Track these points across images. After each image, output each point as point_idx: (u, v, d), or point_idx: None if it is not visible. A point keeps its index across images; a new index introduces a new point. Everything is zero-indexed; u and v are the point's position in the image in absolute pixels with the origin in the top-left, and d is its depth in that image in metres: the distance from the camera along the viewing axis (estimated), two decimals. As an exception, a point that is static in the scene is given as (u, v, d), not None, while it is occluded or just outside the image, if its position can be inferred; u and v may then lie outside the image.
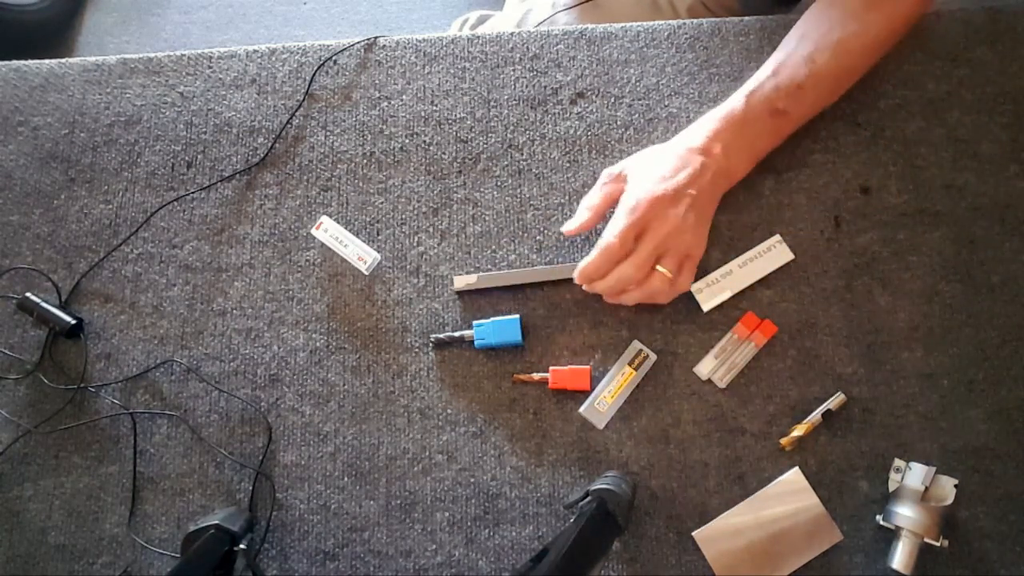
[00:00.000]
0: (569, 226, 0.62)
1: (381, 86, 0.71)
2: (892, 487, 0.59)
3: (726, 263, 0.64)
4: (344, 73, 0.72)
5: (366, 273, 0.66)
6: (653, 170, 0.59)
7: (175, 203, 0.69)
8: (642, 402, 0.62)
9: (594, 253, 0.58)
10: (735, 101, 0.61)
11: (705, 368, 0.62)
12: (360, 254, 0.66)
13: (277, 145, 0.70)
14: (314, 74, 0.72)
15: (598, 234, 0.62)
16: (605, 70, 0.71)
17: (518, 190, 0.68)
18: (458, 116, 0.70)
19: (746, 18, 0.71)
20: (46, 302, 0.65)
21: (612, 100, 0.70)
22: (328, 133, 0.70)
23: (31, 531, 0.62)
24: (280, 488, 0.62)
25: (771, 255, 0.64)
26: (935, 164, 0.66)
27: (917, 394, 0.62)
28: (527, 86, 0.71)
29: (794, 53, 0.61)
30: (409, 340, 0.65)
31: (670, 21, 0.72)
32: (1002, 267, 0.64)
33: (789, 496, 0.60)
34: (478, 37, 0.72)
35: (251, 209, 0.69)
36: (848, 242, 0.65)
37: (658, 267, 0.58)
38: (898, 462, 0.59)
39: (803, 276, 0.64)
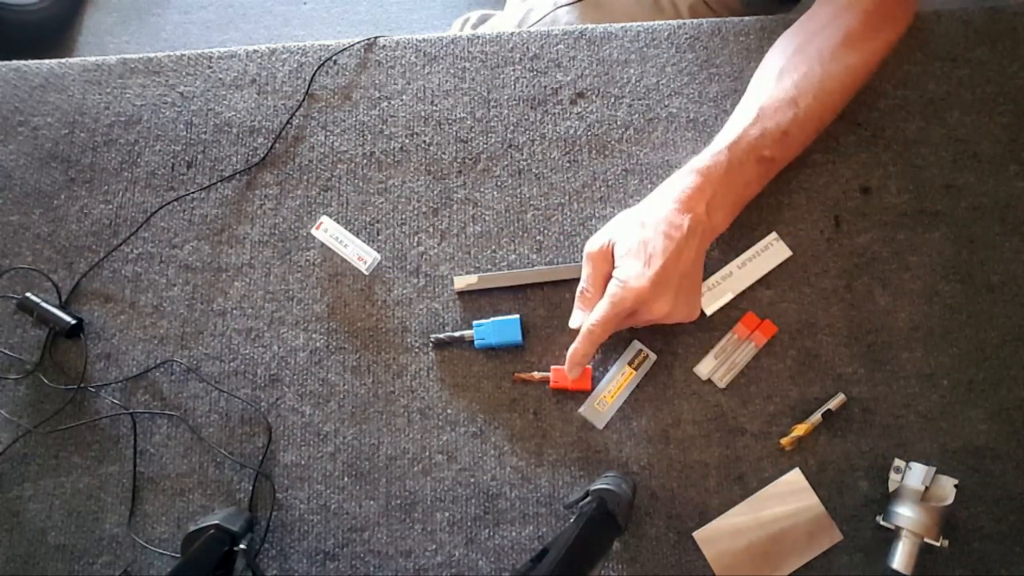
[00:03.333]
0: (572, 324, 0.60)
1: (381, 86, 0.71)
2: (892, 487, 0.59)
3: (725, 264, 0.64)
4: (344, 73, 0.72)
5: (366, 273, 0.66)
6: (639, 254, 0.56)
7: (175, 203, 0.69)
8: (642, 402, 0.62)
9: (581, 339, 0.57)
10: (718, 153, 0.58)
11: (705, 368, 0.62)
12: (360, 254, 0.66)
13: (277, 145, 0.70)
14: (314, 74, 0.72)
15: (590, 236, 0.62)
16: (605, 70, 0.71)
17: (518, 190, 0.68)
18: (458, 116, 0.70)
19: (746, 18, 0.71)
20: (46, 302, 0.65)
21: (612, 100, 0.70)
22: (328, 133, 0.70)
23: (31, 531, 0.62)
24: (280, 488, 0.62)
25: (769, 253, 0.64)
26: (935, 164, 0.66)
27: (917, 394, 0.62)
28: (527, 86, 0.71)
29: (775, 96, 0.59)
30: (409, 340, 0.65)
31: (670, 21, 0.72)
32: (1002, 267, 0.64)
33: (789, 496, 0.60)
34: (478, 37, 0.72)
35: (251, 209, 0.69)
36: (848, 242, 0.65)
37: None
38: (898, 462, 0.59)
39: (803, 276, 0.64)
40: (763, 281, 0.64)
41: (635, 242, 0.57)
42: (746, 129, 0.58)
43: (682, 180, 0.58)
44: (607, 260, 0.59)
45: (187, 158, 0.70)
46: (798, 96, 0.58)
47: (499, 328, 0.63)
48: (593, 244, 0.60)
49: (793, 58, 0.61)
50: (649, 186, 0.66)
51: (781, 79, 0.60)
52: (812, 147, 0.66)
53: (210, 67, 0.73)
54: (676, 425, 0.62)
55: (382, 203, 0.68)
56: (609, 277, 0.57)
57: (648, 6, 0.88)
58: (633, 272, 0.56)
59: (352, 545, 0.61)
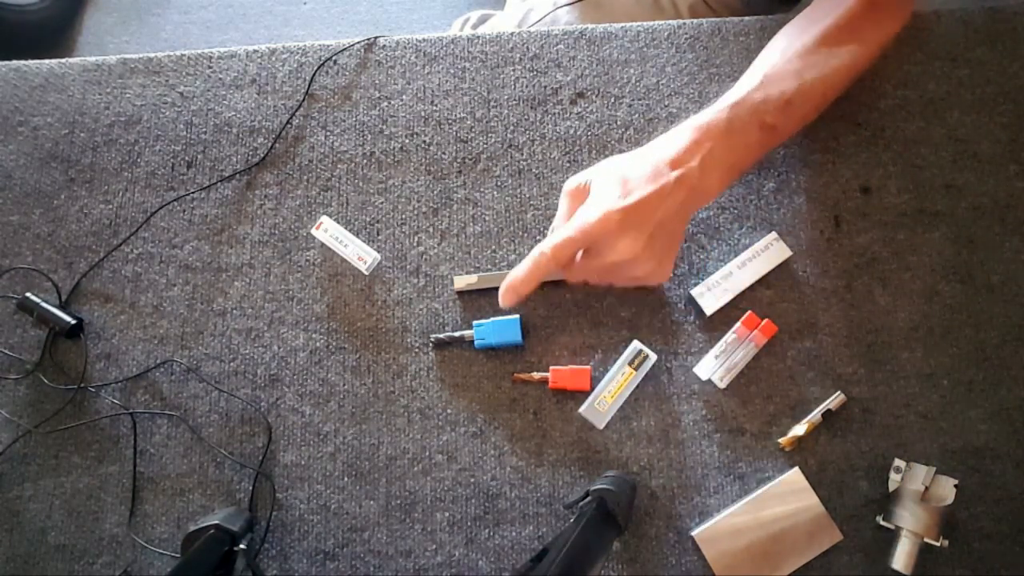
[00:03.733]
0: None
1: (381, 86, 0.71)
2: (892, 487, 0.59)
3: (725, 264, 0.64)
4: (344, 73, 0.72)
5: (366, 273, 0.66)
6: (617, 185, 0.53)
7: (175, 203, 0.69)
8: (642, 402, 0.62)
9: (525, 263, 0.53)
10: (719, 111, 0.55)
11: (705, 368, 0.62)
12: (360, 254, 0.66)
13: (277, 145, 0.70)
14: (314, 74, 0.72)
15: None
16: (605, 70, 0.71)
17: (518, 190, 0.68)
18: (458, 116, 0.70)
19: (746, 18, 0.71)
20: (46, 302, 0.65)
21: (612, 100, 0.70)
22: (328, 133, 0.70)
23: (31, 531, 0.62)
24: (280, 488, 0.62)
25: (768, 253, 0.64)
26: (935, 164, 0.66)
27: (917, 394, 0.62)
28: (527, 86, 0.71)
29: (780, 66, 0.58)
30: (409, 340, 0.65)
31: (670, 21, 0.72)
32: (1002, 267, 0.64)
33: (789, 496, 0.60)
34: (478, 37, 0.72)
35: (251, 209, 0.69)
36: (848, 242, 0.65)
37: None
38: (898, 462, 0.59)
39: (803, 276, 0.64)
40: (763, 281, 0.64)
41: (616, 178, 0.53)
42: (749, 92, 0.56)
43: (678, 134, 0.55)
44: (583, 195, 0.56)
45: (187, 158, 0.70)
46: (803, 69, 0.58)
47: (499, 328, 0.63)
48: (571, 183, 0.58)
49: (798, 39, 0.61)
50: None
51: (786, 54, 0.59)
52: (812, 147, 0.66)
53: (210, 67, 0.73)
54: (676, 425, 0.62)
55: (382, 203, 0.68)
56: None
57: (648, 6, 0.88)
58: (607, 199, 0.52)
59: (352, 545, 0.61)
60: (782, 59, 0.59)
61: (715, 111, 0.56)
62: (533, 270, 0.53)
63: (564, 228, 0.53)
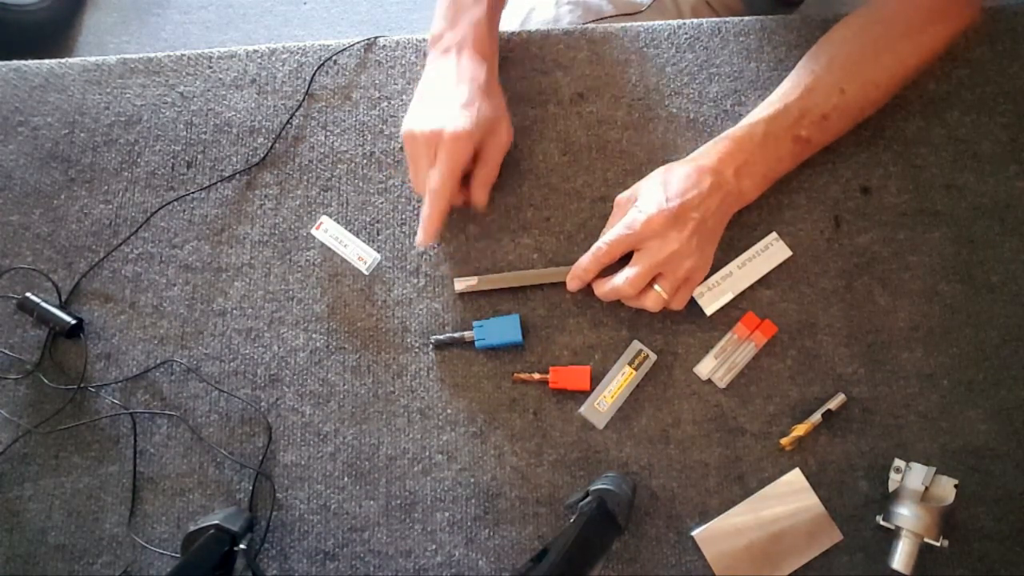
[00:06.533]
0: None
1: (381, 86, 0.71)
2: (892, 487, 0.59)
3: (725, 264, 0.64)
4: (344, 73, 0.72)
5: (366, 273, 0.66)
6: (661, 189, 0.59)
7: (175, 203, 0.69)
8: (642, 402, 0.62)
9: (587, 255, 0.61)
10: (755, 124, 0.59)
11: (705, 368, 0.62)
12: (360, 254, 0.66)
13: (277, 145, 0.70)
14: (314, 74, 0.72)
15: (592, 240, 0.62)
16: (605, 70, 0.71)
17: (518, 190, 0.68)
18: (458, 116, 0.70)
19: (746, 18, 0.71)
20: (46, 302, 0.65)
21: (612, 100, 0.70)
22: (328, 133, 0.70)
23: (31, 531, 0.62)
24: (280, 488, 0.62)
25: (769, 253, 0.64)
26: (935, 164, 0.66)
27: (917, 394, 0.62)
28: (527, 86, 0.70)
29: (823, 79, 0.59)
30: (409, 340, 0.65)
31: (670, 21, 0.72)
32: (1002, 267, 0.64)
33: (789, 496, 0.60)
34: (478, 37, 0.72)
35: (251, 209, 0.69)
36: (848, 242, 0.65)
37: (655, 287, 0.58)
38: (898, 462, 0.59)
39: (803, 276, 0.64)
40: (763, 281, 0.64)
41: (659, 184, 0.59)
42: (788, 106, 0.59)
43: (714, 145, 0.60)
44: (631, 205, 0.61)
45: (187, 158, 0.70)
46: (845, 82, 0.59)
47: (499, 327, 0.63)
48: (621, 195, 0.63)
49: (850, 43, 0.61)
50: (649, 186, 0.66)
51: (832, 62, 0.60)
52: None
53: (210, 67, 0.73)
54: (676, 425, 0.62)
55: (382, 203, 0.68)
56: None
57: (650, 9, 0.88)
58: (651, 202, 0.58)
59: (352, 545, 0.61)
60: (828, 70, 0.60)
61: (751, 123, 0.60)
62: (593, 261, 0.60)
63: (616, 227, 0.60)
